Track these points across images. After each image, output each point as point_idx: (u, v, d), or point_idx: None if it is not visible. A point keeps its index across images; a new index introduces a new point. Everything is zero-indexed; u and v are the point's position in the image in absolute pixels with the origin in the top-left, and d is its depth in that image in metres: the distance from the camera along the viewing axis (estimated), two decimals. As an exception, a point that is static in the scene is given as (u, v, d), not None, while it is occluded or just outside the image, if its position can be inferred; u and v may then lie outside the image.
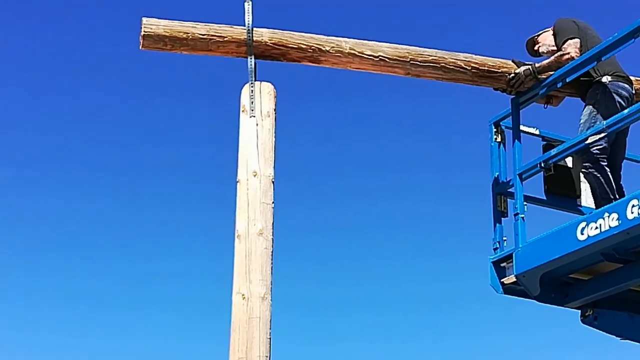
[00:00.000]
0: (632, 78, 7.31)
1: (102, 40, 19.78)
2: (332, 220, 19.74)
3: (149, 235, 19.53)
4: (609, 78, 6.77)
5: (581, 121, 6.74)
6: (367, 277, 19.13)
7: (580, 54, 6.73)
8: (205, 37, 6.52)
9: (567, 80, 6.71)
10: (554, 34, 7.03)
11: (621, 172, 6.99)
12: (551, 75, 6.90)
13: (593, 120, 6.64)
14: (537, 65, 6.93)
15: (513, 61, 7.00)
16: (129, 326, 18.98)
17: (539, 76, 6.89)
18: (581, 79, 6.80)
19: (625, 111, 6.28)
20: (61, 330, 18.66)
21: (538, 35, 7.21)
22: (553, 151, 6.66)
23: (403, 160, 19.71)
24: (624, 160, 7.22)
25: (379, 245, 19.33)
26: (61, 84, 19.73)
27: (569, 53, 6.76)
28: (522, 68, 6.89)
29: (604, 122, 6.37)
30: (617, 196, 6.66)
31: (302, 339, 18.21)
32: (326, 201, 19.84)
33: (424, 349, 18.72)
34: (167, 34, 6.48)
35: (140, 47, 6.55)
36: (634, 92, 6.88)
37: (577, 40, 6.79)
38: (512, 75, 6.91)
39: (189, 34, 6.49)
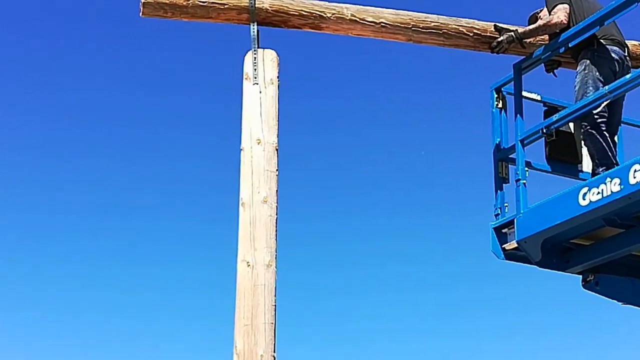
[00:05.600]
0: (634, 42, 7.34)
1: (101, 6, 19.62)
2: (336, 187, 19.77)
3: (153, 207, 19.49)
4: (599, 42, 6.76)
5: (575, 88, 6.75)
6: (372, 249, 19.18)
7: (570, 21, 6.74)
8: (205, 4, 6.51)
9: (570, 45, 6.71)
10: (546, 2, 7.00)
11: (615, 138, 7.00)
12: (539, 39, 6.99)
13: (585, 86, 6.64)
14: (520, 30, 6.94)
15: (495, 27, 7.01)
16: (133, 290, 19.00)
17: (524, 41, 6.93)
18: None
19: (628, 76, 6.28)
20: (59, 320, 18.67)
21: (540, 11, 7.17)
22: (555, 117, 6.66)
23: (406, 126, 19.68)
24: (624, 125, 7.28)
25: (383, 208, 19.33)
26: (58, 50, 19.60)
27: (558, 17, 6.75)
28: (505, 35, 6.95)
29: (606, 87, 6.37)
30: (617, 161, 6.69)
31: (307, 306, 18.30)
32: (330, 168, 19.86)
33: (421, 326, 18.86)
34: (167, 0, 6.46)
35: (140, 15, 6.54)
36: (626, 54, 6.88)
37: (567, 6, 6.78)
38: (495, 43, 6.97)
39: (189, 1, 6.48)
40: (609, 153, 6.63)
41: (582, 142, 6.90)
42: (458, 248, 18.50)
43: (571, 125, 7.02)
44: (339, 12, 6.72)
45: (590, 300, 7.06)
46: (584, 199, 6.15)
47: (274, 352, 5.76)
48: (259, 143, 6.13)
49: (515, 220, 6.64)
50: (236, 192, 6.06)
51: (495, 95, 7.15)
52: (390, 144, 19.47)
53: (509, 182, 6.98)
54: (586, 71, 6.69)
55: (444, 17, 6.92)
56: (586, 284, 6.81)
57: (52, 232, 19.13)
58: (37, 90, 19.38)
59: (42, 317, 18.53)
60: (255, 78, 6.28)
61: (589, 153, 6.79)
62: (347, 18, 6.74)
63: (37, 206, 18.88)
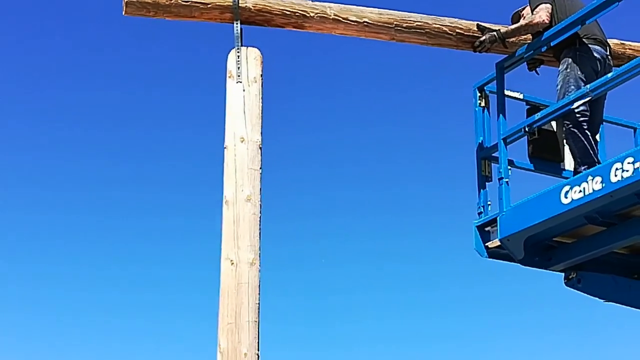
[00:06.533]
0: (615, 41, 7.40)
1: (83, 4, 19.57)
2: (320, 185, 19.80)
3: (136, 205, 19.45)
4: (581, 41, 6.80)
5: (557, 87, 6.78)
6: (353, 245, 19.22)
7: (552, 20, 6.78)
8: (188, 3, 6.51)
9: (552, 44, 6.75)
10: (529, 1, 7.05)
11: (597, 137, 7.05)
12: (521, 39, 7.05)
13: (567, 85, 6.68)
14: (502, 30, 6.99)
15: (478, 26, 7.05)
16: (118, 288, 18.97)
17: (507, 41, 6.98)
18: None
19: (609, 75, 6.32)
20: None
21: (523, 9, 7.21)
22: (537, 115, 6.68)
23: (389, 125, 19.71)
24: (606, 124, 7.33)
25: (368, 206, 19.37)
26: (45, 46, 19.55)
27: (540, 17, 6.78)
28: (487, 35, 7.00)
29: (587, 86, 6.40)
30: (599, 160, 6.72)
31: (292, 305, 18.31)
32: (314, 166, 19.89)
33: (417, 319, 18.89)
34: (150, 0, 6.44)
35: (123, 14, 6.54)
36: (607, 53, 6.92)
37: (549, 5, 6.83)
38: (478, 42, 7.02)
39: (172, 0, 6.47)
40: (591, 151, 6.66)
41: (564, 141, 6.94)
42: (442, 246, 18.60)
43: (553, 123, 7.06)
44: (322, 11, 6.74)
45: (573, 298, 7.08)
46: (566, 197, 6.18)
47: (258, 350, 5.76)
48: (242, 141, 6.13)
49: (498, 219, 6.67)
50: (220, 190, 6.06)
51: (478, 94, 7.18)
52: (374, 142, 19.55)
53: (491, 181, 7.01)
54: (568, 70, 6.73)
55: (427, 16, 6.95)
56: (569, 282, 6.84)
57: (38, 230, 19.11)
58: (26, 89, 19.38)
59: (34, 316, 18.52)
60: (239, 76, 6.28)
61: (571, 151, 6.82)
62: (330, 17, 6.76)
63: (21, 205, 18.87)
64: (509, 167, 6.78)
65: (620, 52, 7.46)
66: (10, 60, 19.16)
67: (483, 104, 7.16)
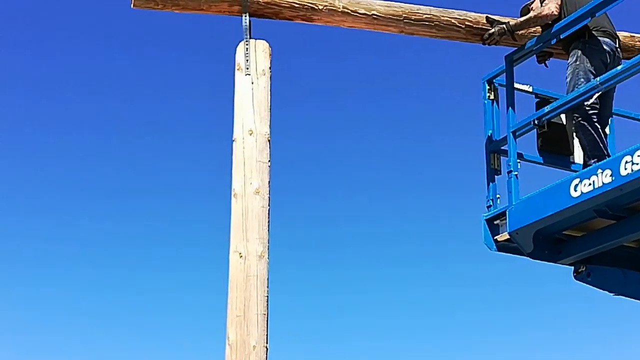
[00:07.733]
0: (625, 33, 7.37)
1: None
2: (327, 179, 19.81)
3: (145, 197, 19.48)
4: (590, 33, 6.78)
5: (567, 79, 6.76)
6: (360, 237, 19.25)
7: (561, 12, 6.76)
8: (196, -5, 6.50)
9: (561, 36, 6.72)
10: None
11: (607, 130, 7.02)
12: (530, 31, 7.05)
13: (576, 77, 6.66)
14: (512, 23, 6.97)
15: (487, 19, 7.03)
16: (124, 284, 19.03)
17: (516, 33, 6.98)
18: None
19: (619, 67, 6.30)
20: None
21: (532, 2, 7.19)
22: (546, 108, 6.67)
23: (397, 118, 19.70)
24: (616, 117, 7.30)
25: (373, 204, 19.39)
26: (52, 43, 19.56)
27: (549, 9, 6.76)
28: (496, 27, 6.99)
29: (597, 78, 6.38)
30: (608, 152, 6.71)
31: (300, 297, 18.33)
32: (321, 160, 19.90)
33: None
34: (158, -8, 6.45)
35: (132, 6, 6.56)
36: (617, 46, 6.90)
37: None
38: (487, 35, 7.00)
39: (180, -7, 6.47)
40: (600, 144, 6.64)
41: (574, 134, 6.92)
42: (452, 239, 18.60)
43: (563, 116, 7.04)
44: (330, 4, 6.73)
45: (582, 291, 7.07)
46: (575, 190, 6.17)
47: (267, 343, 5.77)
48: (251, 134, 6.13)
49: (507, 212, 6.66)
50: (228, 183, 6.06)
51: (487, 87, 7.16)
52: (382, 133, 19.56)
53: (501, 174, 7.00)
54: (577, 62, 6.71)
55: (436, 8, 6.95)
56: (578, 275, 6.83)
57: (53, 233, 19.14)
58: (31, 95, 19.41)
59: (44, 316, 18.57)
60: (247, 69, 6.28)
61: (581, 144, 6.81)
62: (339, 10, 6.75)
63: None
64: (518, 160, 6.77)
65: (630, 45, 7.45)
66: (21, 65, 19.22)
67: (492, 97, 7.14)
